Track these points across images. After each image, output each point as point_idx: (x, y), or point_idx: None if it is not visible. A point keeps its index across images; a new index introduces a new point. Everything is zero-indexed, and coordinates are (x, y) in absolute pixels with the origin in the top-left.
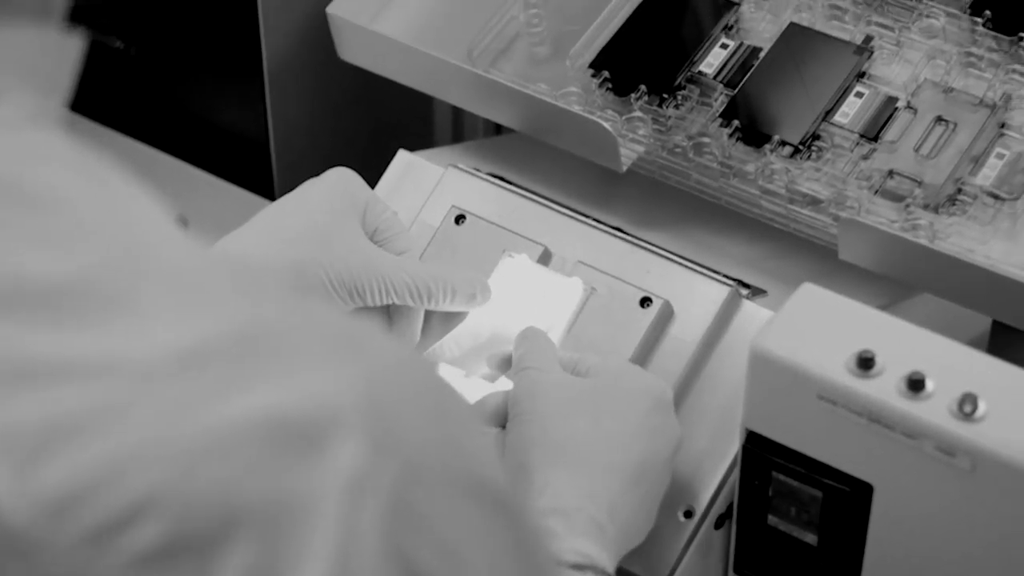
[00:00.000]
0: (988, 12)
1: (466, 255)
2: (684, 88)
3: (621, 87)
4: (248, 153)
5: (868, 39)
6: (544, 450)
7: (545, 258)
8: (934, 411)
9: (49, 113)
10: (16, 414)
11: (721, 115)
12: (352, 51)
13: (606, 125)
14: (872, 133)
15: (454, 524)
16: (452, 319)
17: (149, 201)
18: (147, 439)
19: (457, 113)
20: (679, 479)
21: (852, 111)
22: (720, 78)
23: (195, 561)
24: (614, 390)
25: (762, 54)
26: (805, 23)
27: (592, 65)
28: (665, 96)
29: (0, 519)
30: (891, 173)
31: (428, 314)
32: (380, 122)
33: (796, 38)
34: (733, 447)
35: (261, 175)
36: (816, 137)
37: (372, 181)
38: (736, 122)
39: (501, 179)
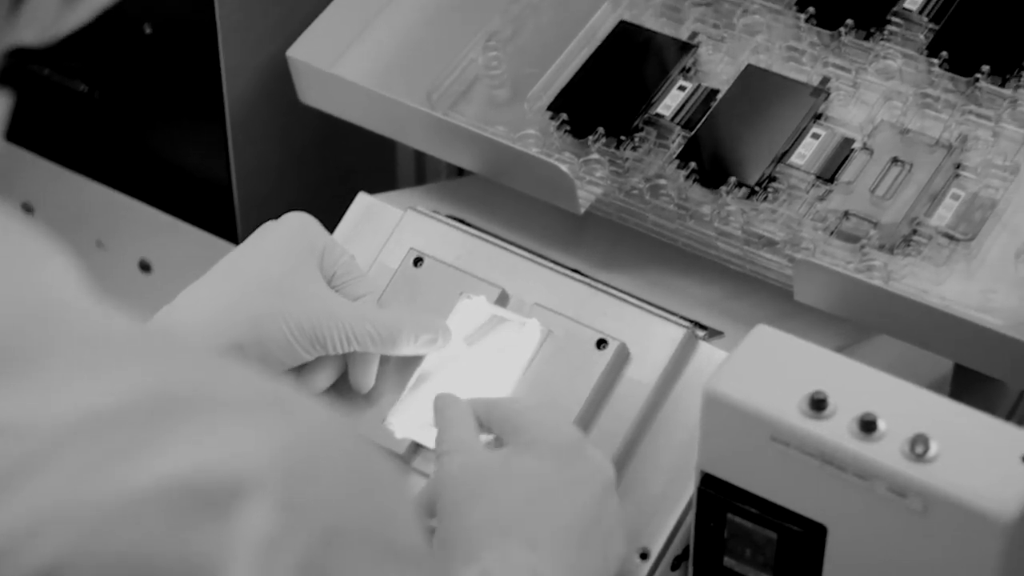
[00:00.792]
0: (945, 53)
1: (424, 297)
2: (642, 130)
3: (579, 129)
4: (212, 196)
5: (825, 80)
6: (468, 536)
7: (503, 300)
8: (886, 452)
9: None
10: None
11: (678, 157)
12: (313, 95)
13: (563, 167)
14: (828, 174)
15: None
16: (410, 362)
17: (63, 263)
18: (58, 502)
19: (420, 155)
20: (635, 520)
21: (808, 152)
22: (677, 120)
23: None
24: (537, 465)
25: (719, 96)
26: (763, 65)
27: (550, 107)
28: (623, 138)
29: None
30: (847, 214)
31: (385, 357)
32: (344, 164)
33: (753, 80)
34: (689, 489)
35: (225, 218)
36: (772, 179)
37: (335, 224)
38: (693, 164)
39: (461, 221)
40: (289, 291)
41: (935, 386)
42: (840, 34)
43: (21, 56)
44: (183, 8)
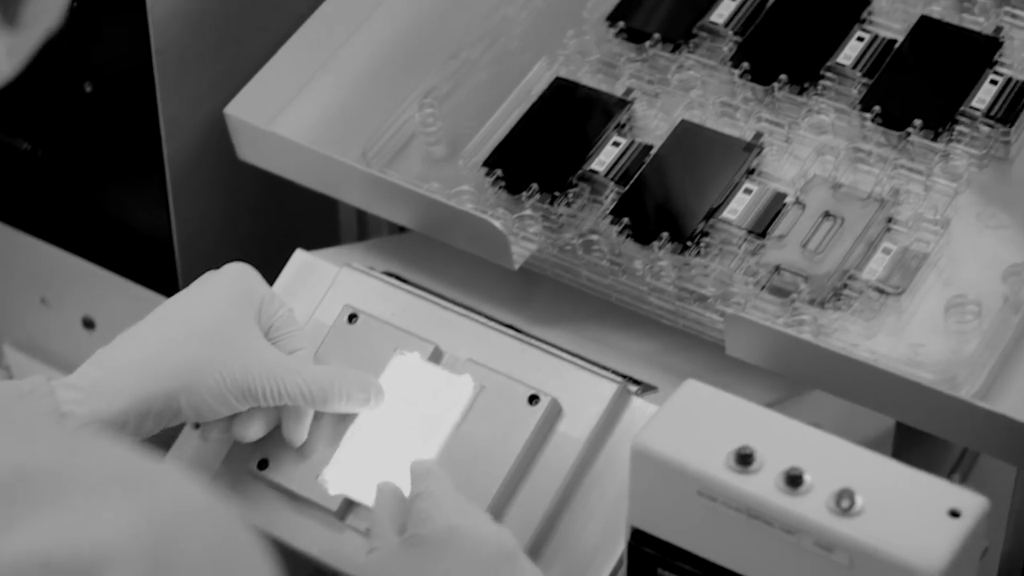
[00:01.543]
0: (877, 108)
1: (359, 354)
2: (576, 186)
3: (513, 185)
4: (153, 253)
5: (758, 135)
6: None
7: (436, 356)
8: (812, 507)
9: None
10: None
11: (611, 212)
12: (251, 152)
13: (496, 224)
14: (760, 229)
15: None
16: (345, 417)
17: None
18: None
19: (362, 211)
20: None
21: (741, 207)
22: (611, 176)
23: None
24: (449, 557)
25: (653, 151)
26: (697, 120)
27: (485, 163)
28: (557, 194)
29: None
30: (778, 269)
31: (318, 412)
32: (286, 220)
33: (687, 135)
34: (621, 544)
35: (166, 275)
36: (705, 234)
37: (275, 280)
38: (626, 219)
39: (397, 277)
40: (224, 340)
41: (879, 439)
42: (774, 89)
43: None
44: (122, 66)
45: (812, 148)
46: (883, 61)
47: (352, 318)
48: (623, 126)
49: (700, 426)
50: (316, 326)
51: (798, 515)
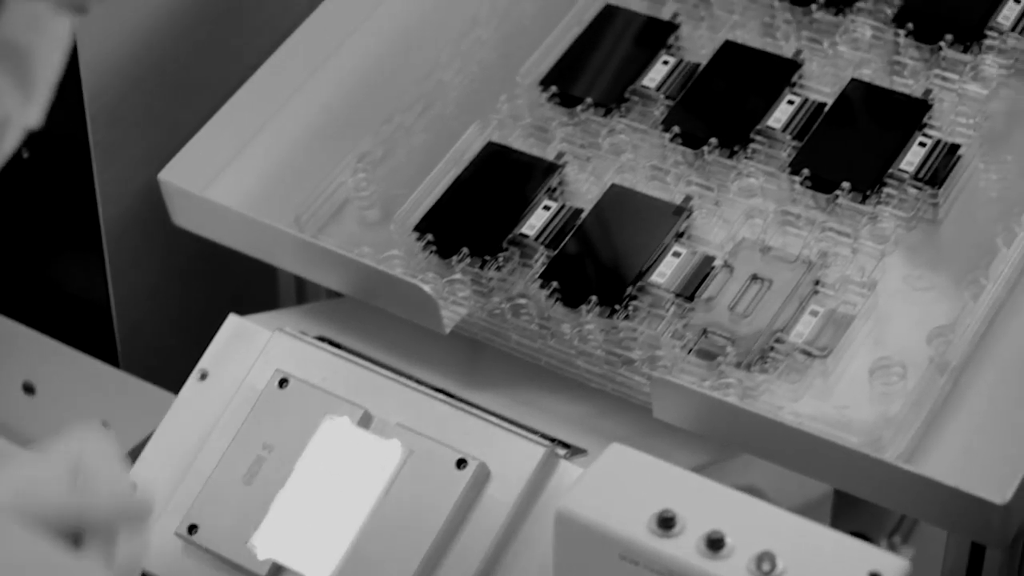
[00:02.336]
0: (806, 171)
1: (289, 419)
2: (506, 250)
3: (444, 249)
4: (92, 319)
5: (687, 199)
6: None
7: (366, 420)
8: (733, 570)
9: None
10: None
11: (540, 276)
12: (185, 218)
13: (426, 288)
14: (688, 292)
15: None
16: (273, 484)
17: None
18: None
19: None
20: None
21: (669, 271)
22: (541, 240)
23: None
24: None
25: (583, 215)
26: (627, 184)
27: (417, 228)
28: (487, 258)
29: None
30: (705, 332)
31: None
32: (224, 284)
33: (617, 199)
34: None
35: (105, 341)
36: (633, 297)
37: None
38: (555, 283)
39: (330, 342)
40: None
41: (819, 501)
42: (704, 153)
43: None
44: (58, 132)
45: (741, 211)
46: (813, 124)
47: (283, 383)
48: (554, 190)
49: (623, 490)
50: (248, 390)
51: None
